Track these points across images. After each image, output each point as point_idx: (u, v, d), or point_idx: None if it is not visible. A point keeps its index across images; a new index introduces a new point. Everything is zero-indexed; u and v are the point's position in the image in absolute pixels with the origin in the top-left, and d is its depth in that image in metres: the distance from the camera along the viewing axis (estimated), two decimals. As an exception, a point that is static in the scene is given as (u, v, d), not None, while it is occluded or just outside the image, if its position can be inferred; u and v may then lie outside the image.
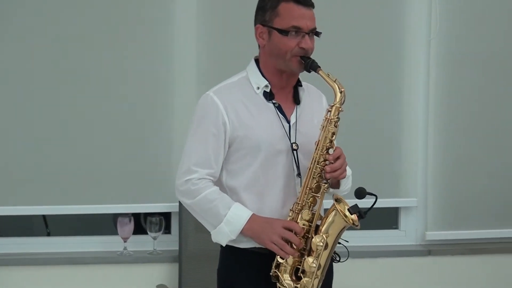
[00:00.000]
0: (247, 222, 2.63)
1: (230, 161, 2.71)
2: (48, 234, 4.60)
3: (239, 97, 2.71)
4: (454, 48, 4.21)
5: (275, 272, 2.65)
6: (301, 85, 2.81)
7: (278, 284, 2.66)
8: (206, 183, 2.67)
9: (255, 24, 2.74)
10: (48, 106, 3.96)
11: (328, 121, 2.67)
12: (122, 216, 4.02)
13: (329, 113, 2.68)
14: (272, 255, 2.66)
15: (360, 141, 4.15)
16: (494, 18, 4.23)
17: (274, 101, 2.73)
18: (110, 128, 4.01)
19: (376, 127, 4.21)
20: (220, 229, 2.65)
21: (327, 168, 2.63)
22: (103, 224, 4.43)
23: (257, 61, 2.78)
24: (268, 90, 2.73)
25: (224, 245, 2.69)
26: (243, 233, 2.64)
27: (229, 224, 2.64)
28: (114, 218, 4.14)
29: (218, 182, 2.73)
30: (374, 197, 2.68)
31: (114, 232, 4.08)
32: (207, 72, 3.99)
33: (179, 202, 3.46)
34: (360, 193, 2.69)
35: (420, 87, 4.22)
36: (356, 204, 2.65)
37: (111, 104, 4.01)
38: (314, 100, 2.85)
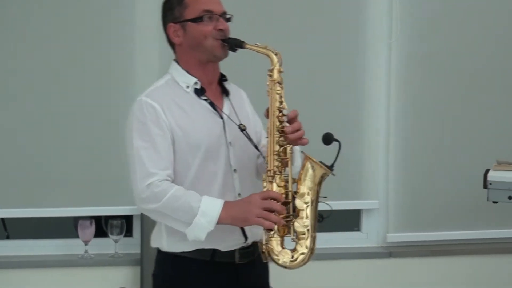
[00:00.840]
0: (222, 209, 2.58)
1: None
2: (7, 237, 4.55)
3: (171, 97, 2.68)
4: (414, 50, 4.25)
5: (267, 247, 2.61)
6: (226, 80, 2.80)
7: (274, 257, 2.61)
8: (168, 183, 2.62)
9: (165, 28, 2.72)
10: (3, 110, 3.93)
11: (272, 82, 2.66)
12: (83, 219, 3.99)
13: (270, 76, 2.67)
14: (212, 261, 2.65)
15: (321, 144, 4.15)
16: (453, 20, 4.27)
17: (205, 98, 2.71)
18: (71, 131, 3.98)
19: (337, 129, 4.17)
20: (196, 223, 2.57)
21: (287, 129, 2.62)
22: (64, 227, 4.39)
23: (177, 62, 2.75)
24: (198, 86, 2.71)
25: (203, 239, 2.60)
26: (220, 221, 2.58)
27: (204, 215, 2.57)
28: (75, 221, 4.11)
29: None
30: (338, 144, 2.69)
31: (75, 235, 4.05)
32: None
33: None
34: (327, 138, 2.68)
35: (382, 89, 4.25)
36: (320, 161, 2.63)
37: (71, 107, 3.98)
38: (236, 95, 2.83)
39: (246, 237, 2.71)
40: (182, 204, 2.58)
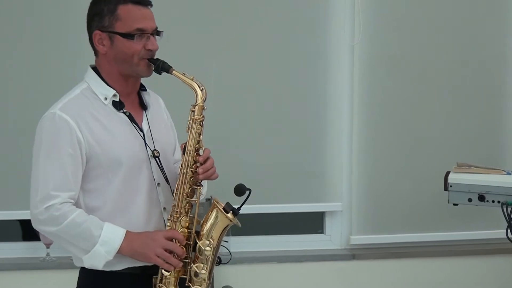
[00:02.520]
0: (123, 240, 2.51)
1: (88, 180, 2.55)
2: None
3: (88, 110, 2.55)
4: (377, 52, 4.27)
5: (160, 286, 2.56)
6: (145, 90, 2.71)
7: None
8: (69, 206, 2.50)
9: (90, 31, 2.59)
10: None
11: (193, 121, 2.59)
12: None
13: (193, 113, 2.59)
14: (143, 276, 2.58)
15: (284, 146, 4.17)
16: (416, 22, 4.30)
17: (124, 110, 2.61)
18: (26, 134, 3.94)
19: (300, 131, 4.24)
20: (95, 251, 2.50)
21: (200, 170, 2.56)
22: (25, 230, 4.35)
23: (95, 69, 2.63)
24: (117, 99, 2.60)
25: (100, 268, 2.53)
26: (120, 251, 2.51)
27: (104, 244, 2.50)
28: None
29: (76, 204, 2.55)
30: (248, 191, 2.60)
31: (36, 238, 4.02)
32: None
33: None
34: (240, 189, 2.62)
35: (344, 91, 4.27)
36: (227, 202, 2.59)
37: (36, 106, 3.93)
38: (155, 103, 2.75)
39: None
40: (83, 230, 2.49)
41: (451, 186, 3.46)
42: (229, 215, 2.58)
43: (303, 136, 4.25)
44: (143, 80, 2.69)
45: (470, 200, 3.43)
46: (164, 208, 2.64)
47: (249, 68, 4.11)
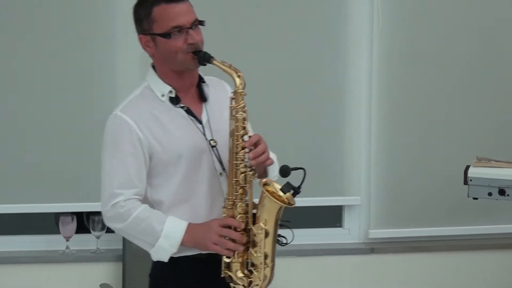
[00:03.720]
0: (185, 232, 2.59)
1: (153, 175, 2.65)
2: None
3: (147, 109, 2.64)
4: (396, 46, 4.25)
5: (226, 272, 2.61)
6: (204, 82, 2.76)
7: (232, 284, 2.62)
8: (133, 203, 2.61)
9: (138, 34, 2.69)
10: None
11: (234, 109, 2.61)
12: (64, 215, 3.98)
13: (233, 100, 2.62)
14: (210, 260, 2.63)
15: (302, 139, 4.17)
16: (435, 15, 4.28)
17: (182, 105, 2.68)
18: (52, 128, 3.97)
19: (319, 125, 4.23)
20: (159, 245, 2.59)
21: (250, 155, 2.57)
22: (45, 223, 4.38)
23: (155, 68, 2.72)
24: (173, 95, 2.67)
25: (166, 260, 2.62)
26: (183, 244, 2.60)
27: (167, 238, 2.58)
28: (56, 217, 4.10)
29: (144, 198, 2.66)
30: (303, 170, 2.59)
31: (56, 231, 4.03)
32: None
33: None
34: (285, 171, 2.62)
35: (363, 85, 4.26)
36: (288, 182, 2.58)
37: (51, 101, 3.97)
38: (219, 91, 2.79)
39: None
40: (147, 226, 2.59)
41: (471, 180, 3.45)
42: (282, 195, 2.57)
43: (322, 131, 4.24)
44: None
45: (490, 194, 3.42)
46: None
47: (269, 65, 4.11)
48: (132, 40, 3.86)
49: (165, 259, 2.62)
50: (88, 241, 4.03)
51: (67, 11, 3.96)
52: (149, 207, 2.63)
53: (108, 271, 4.01)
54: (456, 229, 4.36)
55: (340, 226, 4.40)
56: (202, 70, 2.75)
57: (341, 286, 4.26)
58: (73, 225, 3.99)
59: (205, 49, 2.66)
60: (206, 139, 2.68)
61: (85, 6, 3.97)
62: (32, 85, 3.95)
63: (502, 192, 3.39)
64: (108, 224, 2.67)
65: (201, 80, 2.76)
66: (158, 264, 2.70)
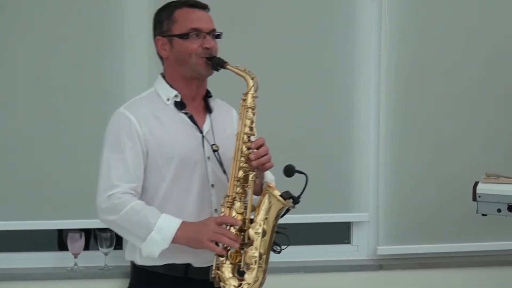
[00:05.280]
0: (178, 228, 2.60)
1: (146, 175, 2.69)
2: (-3, 250, 4.53)
3: (150, 109, 2.71)
4: (404, 62, 4.26)
5: (217, 273, 2.61)
6: (211, 96, 2.81)
7: (221, 284, 2.61)
8: (130, 196, 2.64)
9: (154, 38, 2.76)
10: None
11: (245, 108, 2.66)
12: (72, 231, 3.98)
13: (244, 101, 2.67)
14: (185, 278, 2.66)
15: (311, 156, 4.16)
16: (443, 30, 4.28)
17: (185, 111, 2.72)
18: (59, 144, 3.98)
19: (326, 142, 4.23)
20: (151, 238, 2.59)
21: (252, 156, 2.61)
22: (53, 240, 4.38)
23: (163, 77, 2.78)
24: (178, 99, 2.72)
25: (156, 256, 2.62)
26: (175, 240, 2.60)
27: (160, 232, 2.59)
28: (64, 233, 4.10)
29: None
30: (305, 178, 2.62)
31: (65, 247, 4.03)
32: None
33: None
34: (289, 171, 2.64)
35: (371, 100, 4.26)
36: (287, 191, 2.61)
37: (59, 119, 3.98)
38: (225, 111, 2.85)
39: None
40: (140, 218, 2.60)
41: (479, 196, 3.44)
42: (281, 200, 2.59)
43: (330, 146, 4.24)
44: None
45: (499, 210, 3.41)
46: (216, 209, 2.71)
47: (276, 79, 4.10)
48: (140, 56, 3.96)
49: (155, 254, 2.61)
50: (96, 258, 4.03)
51: (75, 23, 3.98)
52: (144, 202, 2.64)
53: (116, 288, 4.01)
54: (465, 245, 4.35)
55: (349, 242, 4.39)
56: (215, 80, 2.78)
57: (349, 303, 4.25)
58: (81, 241, 3.99)
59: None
60: (205, 149, 2.70)
61: (94, 16, 4.00)
62: (40, 103, 3.96)
63: (511, 208, 3.38)
64: (101, 216, 2.67)
65: (208, 94, 2.80)
66: (136, 278, 2.73)
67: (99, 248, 4.00)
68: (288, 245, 2.71)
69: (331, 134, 4.23)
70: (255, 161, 2.61)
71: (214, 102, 2.81)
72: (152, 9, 3.91)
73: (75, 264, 4.00)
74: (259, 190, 2.71)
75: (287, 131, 4.15)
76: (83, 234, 4.01)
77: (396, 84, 4.26)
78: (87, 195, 3.93)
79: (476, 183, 3.51)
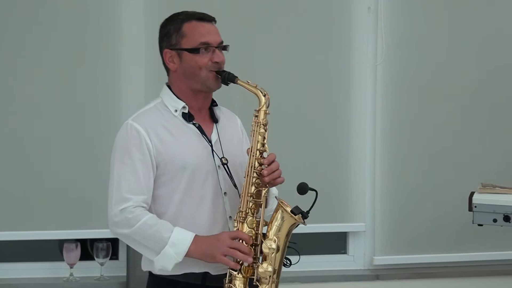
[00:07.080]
0: (192, 242, 2.60)
1: (157, 186, 2.68)
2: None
3: (159, 121, 2.70)
4: (400, 73, 4.27)
5: (230, 286, 2.61)
6: (216, 105, 2.82)
7: None
8: (142, 210, 2.63)
9: (162, 51, 2.75)
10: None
11: (257, 124, 2.68)
12: (68, 242, 3.97)
13: (256, 117, 2.69)
14: (203, 285, 2.66)
15: (307, 166, 4.17)
16: (439, 42, 4.30)
17: (194, 122, 2.73)
18: (55, 152, 3.97)
19: (323, 151, 4.23)
20: (164, 252, 2.60)
21: (264, 172, 2.62)
22: (49, 250, 4.37)
23: (169, 86, 2.78)
24: (186, 111, 2.73)
25: (169, 270, 2.63)
26: (189, 254, 2.60)
27: (174, 246, 2.59)
28: (60, 244, 4.09)
29: (149, 210, 2.68)
30: (315, 193, 2.66)
31: (60, 258, 4.03)
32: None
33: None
34: (302, 188, 2.67)
35: (368, 111, 4.27)
36: (296, 206, 2.63)
37: (53, 127, 3.97)
38: (230, 119, 2.86)
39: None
40: (154, 232, 2.61)
41: (475, 206, 3.45)
42: (292, 216, 2.61)
43: (326, 156, 4.24)
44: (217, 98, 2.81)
45: (495, 220, 3.42)
46: (230, 217, 2.71)
47: (272, 89, 4.10)
48: (136, 60, 3.96)
49: (169, 268, 2.62)
50: (92, 268, 4.02)
51: (72, 27, 3.99)
52: (156, 216, 2.65)
53: (112, 298, 4.00)
54: (461, 255, 4.35)
55: (345, 252, 4.39)
56: (223, 93, 2.80)
57: (346, 313, 4.25)
58: (77, 252, 3.98)
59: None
60: (216, 157, 2.71)
61: (90, 26, 4.00)
62: (35, 112, 3.96)
63: (507, 218, 3.39)
64: (114, 230, 2.66)
65: (213, 103, 2.81)
66: (152, 283, 2.72)
67: (95, 258, 3.99)
68: (299, 259, 2.72)
69: (327, 145, 4.23)
70: (267, 177, 2.63)
71: (219, 110, 2.83)
72: (148, 13, 3.98)
73: (71, 274, 3.99)
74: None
75: (284, 143, 4.15)
76: (79, 244, 4.00)
77: (393, 95, 4.27)
78: (83, 206, 3.97)
79: (472, 194, 3.52)
